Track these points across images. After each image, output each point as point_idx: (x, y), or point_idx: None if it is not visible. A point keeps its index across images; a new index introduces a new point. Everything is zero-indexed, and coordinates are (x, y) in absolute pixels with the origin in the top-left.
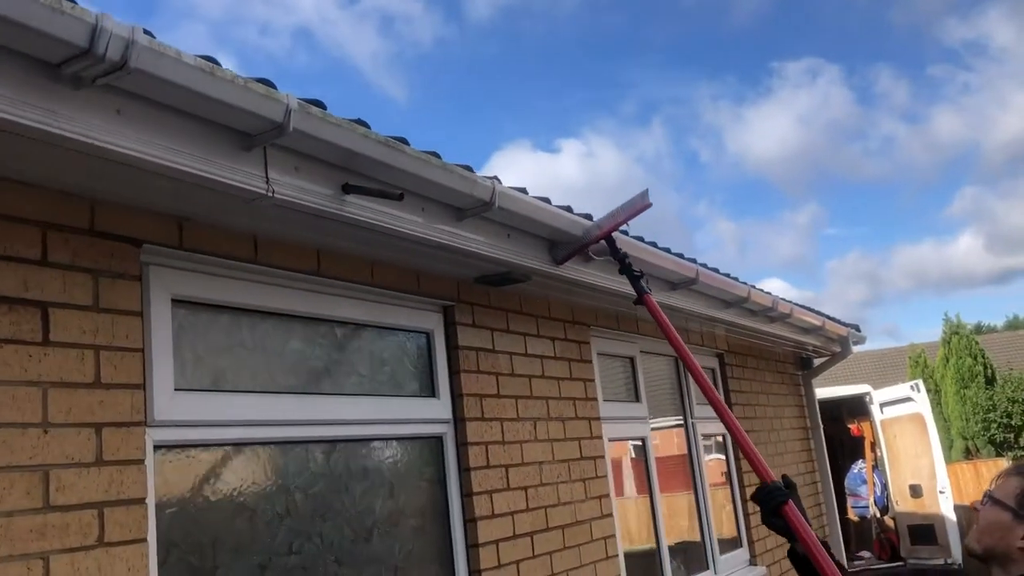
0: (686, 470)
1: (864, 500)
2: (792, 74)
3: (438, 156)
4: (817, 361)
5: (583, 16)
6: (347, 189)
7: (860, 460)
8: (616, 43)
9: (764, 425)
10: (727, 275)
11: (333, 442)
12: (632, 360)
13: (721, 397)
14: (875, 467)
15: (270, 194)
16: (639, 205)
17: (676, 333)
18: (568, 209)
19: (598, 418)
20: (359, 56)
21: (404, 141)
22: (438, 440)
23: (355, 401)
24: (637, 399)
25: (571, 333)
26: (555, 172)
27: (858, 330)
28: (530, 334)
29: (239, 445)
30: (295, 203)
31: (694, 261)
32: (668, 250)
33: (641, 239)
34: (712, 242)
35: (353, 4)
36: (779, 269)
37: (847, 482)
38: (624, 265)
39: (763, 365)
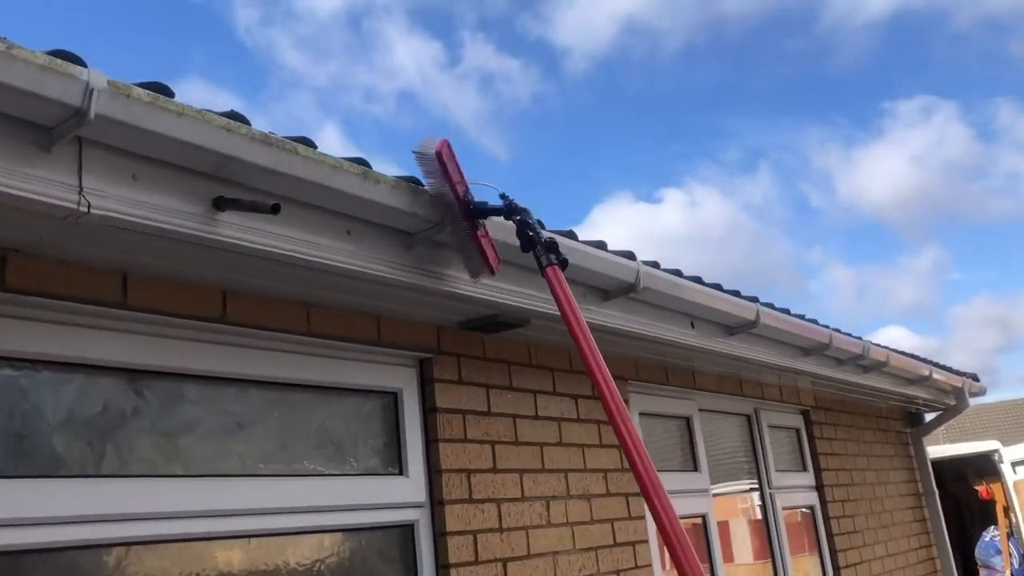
0: (761, 539)
1: (999, 572)
2: (904, 113)
3: (364, 163)
4: (929, 416)
5: (681, 67)
6: (220, 204)
7: (992, 527)
8: (716, 91)
9: (865, 492)
10: (802, 317)
11: (248, 537)
12: (688, 421)
13: (636, 431)
14: (1010, 535)
15: (84, 208)
16: (434, 151)
17: (585, 329)
18: (571, 235)
19: (639, 493)
20: (461, 116)
21: (307, 142)
22: (407, 529)
23: (282, 484)
24: (695, 467)
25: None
26: (658, 223)
27: (976, 379)
28: (543, 391)
29: (98, 547)
30: (132, 221)
31: (756, 300)
32: (719, 286)
33: (678, 274)
34: (827, 289)
35: (454, 66)
36: (900, 316)
37: (978, 552)
38: (520, 229)
39: (861, 422)
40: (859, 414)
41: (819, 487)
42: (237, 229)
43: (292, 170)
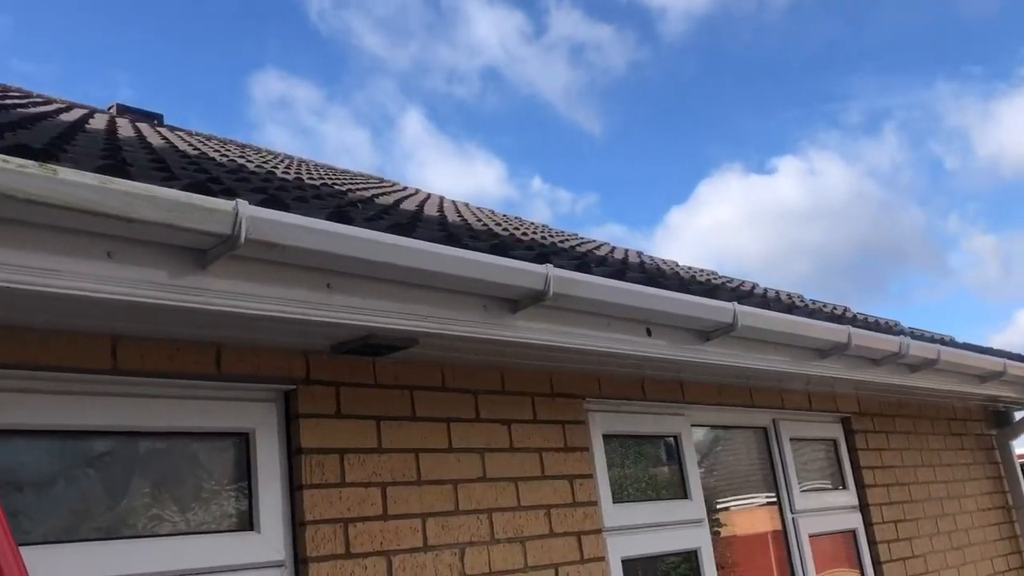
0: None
1: None
2: None
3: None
4: (1020, 415)
5: (790, 24)
6: None
7: None
8: (831, 48)
9: (928, 510)
10: (802, 308)
11: None
12: (676, 440)
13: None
14: None
15: None
16: None
17: None
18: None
19: (599, 531)
20: (550, 91)
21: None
22: None
23: (95, 549)
24: (685, 494)
25: (547, 411)
26: (772, 196)
27: None
28: (460, 419)
29: None
30: None
31: (743, 297)
32: (686, 285)
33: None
34: (968, 261)
35: (539, 37)
36: None
37: None
38: None
39: (926, 427)
40: (923, 417)
41: (863, 507)
42: None
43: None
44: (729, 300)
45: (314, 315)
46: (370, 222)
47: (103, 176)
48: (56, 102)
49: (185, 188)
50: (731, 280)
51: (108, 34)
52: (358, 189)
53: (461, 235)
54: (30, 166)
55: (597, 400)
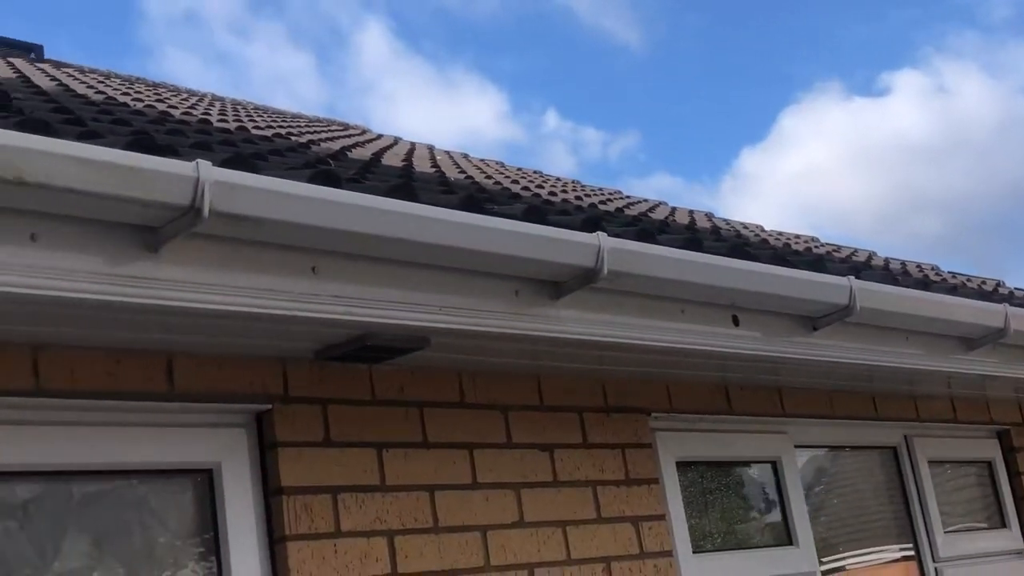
0: None
1: None
2: None
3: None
4: None
5: None
6: None
7: None
8: None
9: None
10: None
11: None
12: (775, 466)
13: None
14: None
15: None
16: None
17: None
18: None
19: None
20: None
21: None
22: None
23: None
24: (789, 539)
25: (602, 431)
26: (885, 126)
27: None
28: (486, 444)
29: None
30: None
31: (858, 270)
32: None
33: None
34: None
35: None
36: None
37: None
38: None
39: None
40: None
41: None
42: None
43: None
44: (843, 274)
45: (298, 310)
46: (357, 184)
47: (16, 133)
48: None
49: (127, 147)
50: (838, 248)
51: None
52: (321, 141)
53: (479, 199)
54: None
55: (667, 415)
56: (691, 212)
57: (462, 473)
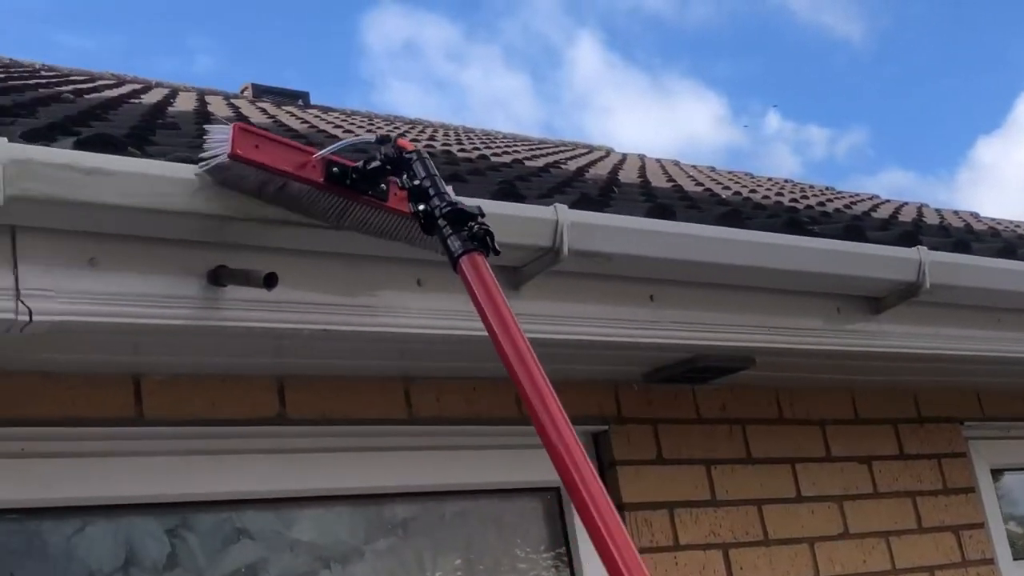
0: None
1: None
2: None
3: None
4: None
5: None
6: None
7: None
8: None
9: None
10: None
11: None
12: None
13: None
14: None
15: (24, 318)
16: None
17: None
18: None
19: None
20: None
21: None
22: None
23: None
24: None
25: (916, 442)
26: None
27: None
28: (807, 458)
29: None
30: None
31: None
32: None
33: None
34: None
35: None
36: None
37: None
38: (414, 192)
39: None
40: None
41: None
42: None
43: None
44: None
45: (640, 336)
46: (691, 214)
47: None
48: (164, 86)
49: (493, 196)
50: None
51: None
52: (560, 163)
53: (800, 221)
54: None
55: (978, 424)
56: (956, 213)
57: (786, 487)
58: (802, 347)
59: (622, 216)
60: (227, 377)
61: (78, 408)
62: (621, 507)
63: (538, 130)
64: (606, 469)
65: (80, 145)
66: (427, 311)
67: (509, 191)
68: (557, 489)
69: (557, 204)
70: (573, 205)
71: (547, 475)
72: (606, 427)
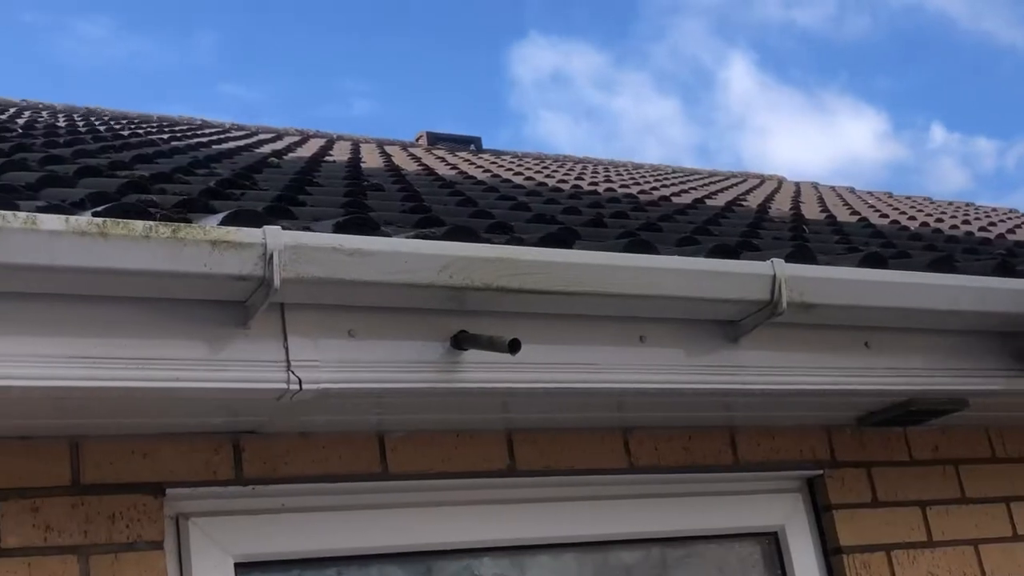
0: None
1: None
2: None
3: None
4: None
5: None
6: (460, 343)
7: None
8: None
9: None
10: None
11: None
12: None
13: None
14: None
15: (295, 387)
16: None
17: None
18: None
19: None
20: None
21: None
22: None
23: None
24: None
25: None
26: None
27: None
28: (1020, 498)
29: None
30: (355, 388)
31: None
32: None
33: None
34: None
35: None
36: None
37: None
38: None
39: None
40: None
41: None
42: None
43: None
44: None
45: (856, 383)
46: (901, 261)
47: (626, 255)
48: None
49: (710, 254)
50: None
51: (331, 42)
52: (708, 196)
53: (1011, 263)
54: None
55: None
56: None
57: (1002, 526)
58: (1018, 388)
59: (837, 268)
60: (461, 432)
61: (331, 465)
62: (839, 550)
63: (692, 154)
64: (822, 513)
65: (339, 228)
66: (646, 367)
67: (726, 249)
68: (775, 534)
69: (774, 259)
70: (788, 258)
71: (765, 520)
72: (820, 472)
